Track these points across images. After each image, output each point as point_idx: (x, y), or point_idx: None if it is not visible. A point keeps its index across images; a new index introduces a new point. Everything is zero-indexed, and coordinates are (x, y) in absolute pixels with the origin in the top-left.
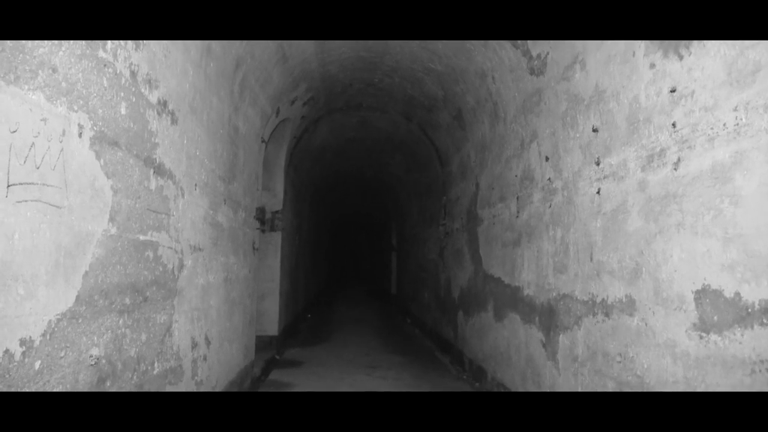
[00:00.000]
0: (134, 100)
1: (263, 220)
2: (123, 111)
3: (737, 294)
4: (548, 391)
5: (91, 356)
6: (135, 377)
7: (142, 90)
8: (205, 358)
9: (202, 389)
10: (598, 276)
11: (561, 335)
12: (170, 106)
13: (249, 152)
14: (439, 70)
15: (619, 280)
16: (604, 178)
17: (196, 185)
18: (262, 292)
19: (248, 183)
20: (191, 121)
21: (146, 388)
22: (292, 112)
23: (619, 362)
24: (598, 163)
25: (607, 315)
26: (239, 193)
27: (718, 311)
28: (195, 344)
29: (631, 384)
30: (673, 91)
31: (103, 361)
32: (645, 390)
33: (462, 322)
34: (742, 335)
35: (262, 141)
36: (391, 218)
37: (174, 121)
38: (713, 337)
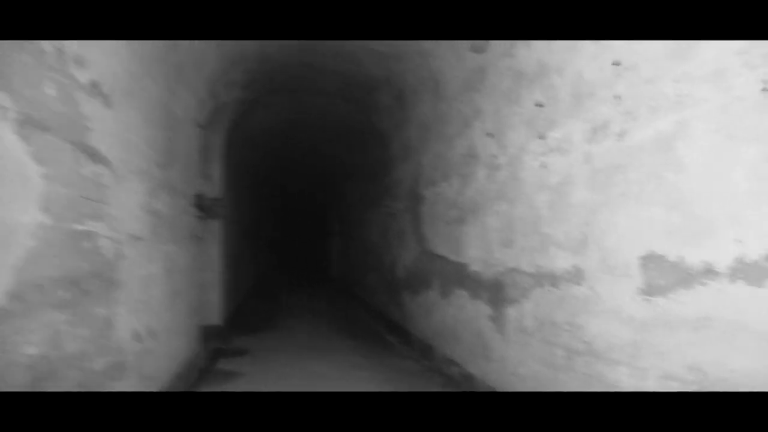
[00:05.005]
0: (63, 80)
1: (202, 207)
2: (51, 92)
3: (680, 257)
4: (497, 362)
5: (25, 355)
6: (76, 375)
7: (72, 70)
8: (149, 351)
9: (147, 383)
10: (545, 248)
11: (509, 308)
12: (103, 89)
13: (186, 137)
14: (380, 50)
15: (565, 251)
16: (549, 152)
17: (133, 172)
18: (203, 281)
19: (186, 169)
20: (126, 104)
21: (88, 386)
22: (230, 96)
23: (568, 330)
24: (542, 138)
25: (554, 286)
26: (177, 180)
27: (662, 275)
28: (138, 337)
29: (580, 351)
30: (616, 64)
31: (41, 360)
32: (593, 354)
33: (408, 301)
34: (685, 296)
35: (199, 126)
36: (333, 202)
37: (108, 105)
38: (658, 299)
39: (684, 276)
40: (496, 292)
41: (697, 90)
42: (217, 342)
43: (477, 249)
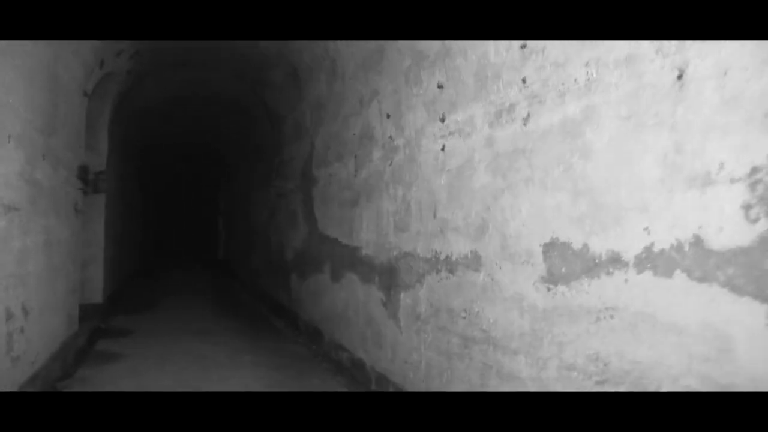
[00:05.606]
0: None
1: (86, 180)
2: None
3: (585, 246)
4: (389, 349)
5: None
6: None
7: None
8: (22, 330)
9: (20, 364)
10: (443, 233)
11: (402, 294)
12: None
13: (71, 105)
14: None
15: (464, 237)
16: (450, 134)
17: (9, 137)
18: (85, 258)
19: (70, 139)
20: (3, 63)
21: None
22: (118, 66)
23: (464, 318)
24: (443, 120)
25: (451, 272)
26: (60, 149)
27: (566, 263)
28: (10, 315)
29: (477, 339)
30: (523, 46)
31: None
32: (491, 343)
33: (296, 285)
34: (589, 285)
35: (85, 94)
36: (221, 181)
37: None
38: (561, 288)
39: (589, 265)
40: (389, 276)
41: (608, 75)
42: (99, 321)
43: (371, 232)
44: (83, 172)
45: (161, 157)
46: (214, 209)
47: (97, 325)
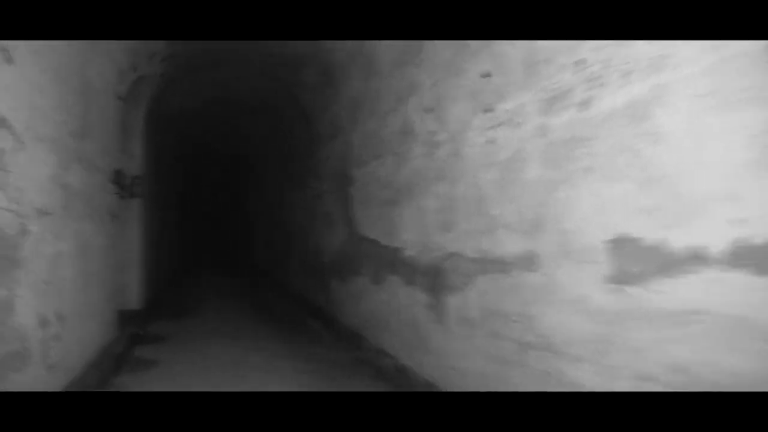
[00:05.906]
0: None
1: (122, 185)
2: None
3: (660, 240)
4: (435, 355)
5: None
6: None
7: None
8: (57, 338)
9: (56, 372)
10: (492, 231)
11: (450, 297)
12: (2, 43)
13: (105, 108)
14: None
15: (517, 234)
16: (498, 125)
17: (40, 139)
18: (122, 263)
19: (104, 143)
20: (34, 64)
21: None
22: (151, 69)
23: (519, 322)
24: (490, 110)
25: (503, 272)
26: (94, 153)
27: (638, 261)
28: (45, 322)
29: (534, 345)
30: None
31: None
32: (550, 349)
33: (335, 287)
34: (666, 285)
35: (119, 98)
36: (257, 185)
37: (9, 61)
38: (632, 289)
39: (666, 262)
40: (434, 278)
41: (682, 49)
42: (137, 327)
43: (413, 232)
44: (119, 177)
45: (194, 160)
46: (248, 212)
47: (135, 332)
